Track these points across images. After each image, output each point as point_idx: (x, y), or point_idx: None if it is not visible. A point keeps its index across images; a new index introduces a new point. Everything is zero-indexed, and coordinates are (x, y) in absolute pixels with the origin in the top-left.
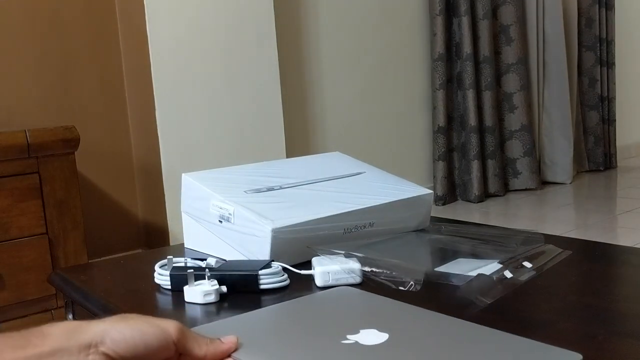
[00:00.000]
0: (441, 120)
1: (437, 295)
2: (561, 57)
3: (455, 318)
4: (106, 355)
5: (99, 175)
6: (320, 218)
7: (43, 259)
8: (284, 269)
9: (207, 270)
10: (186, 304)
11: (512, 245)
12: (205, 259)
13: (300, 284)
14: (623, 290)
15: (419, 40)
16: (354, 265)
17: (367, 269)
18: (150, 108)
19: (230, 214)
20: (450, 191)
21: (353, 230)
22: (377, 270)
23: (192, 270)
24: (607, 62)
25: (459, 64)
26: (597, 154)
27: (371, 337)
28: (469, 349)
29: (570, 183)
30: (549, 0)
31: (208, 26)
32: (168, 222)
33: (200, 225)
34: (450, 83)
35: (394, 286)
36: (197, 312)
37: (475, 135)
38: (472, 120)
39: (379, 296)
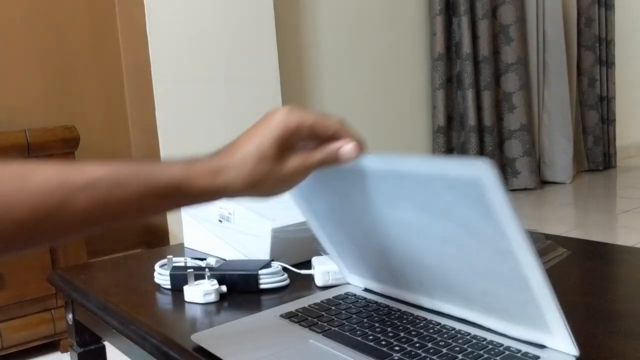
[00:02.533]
0: (441, 120)
1: None
2: (561, 56)
3: None
4: None
5: None
6: None
7: (43, 258)
8: (284, 269)
9: (207, 269)
10: (186, 304)
11: None
12: (205, 259)
13: (300, 284)
14: (623, 290)
15: (419, 40)
16: None
17: None
18: (150, 108)
19: (230, 213)
20: None
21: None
22: None
23: (192, 270)
24: (606, 62)
25: (458, 63)
26: (596, 153)
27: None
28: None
29: (570, 183)
30: (549, 0)
31: (208, 26)
32: (168, 221)
33: (200, 225)
34: (450, 83)
35: None
36: (197, 311)
37: (474, 135)
38: (471, 120)
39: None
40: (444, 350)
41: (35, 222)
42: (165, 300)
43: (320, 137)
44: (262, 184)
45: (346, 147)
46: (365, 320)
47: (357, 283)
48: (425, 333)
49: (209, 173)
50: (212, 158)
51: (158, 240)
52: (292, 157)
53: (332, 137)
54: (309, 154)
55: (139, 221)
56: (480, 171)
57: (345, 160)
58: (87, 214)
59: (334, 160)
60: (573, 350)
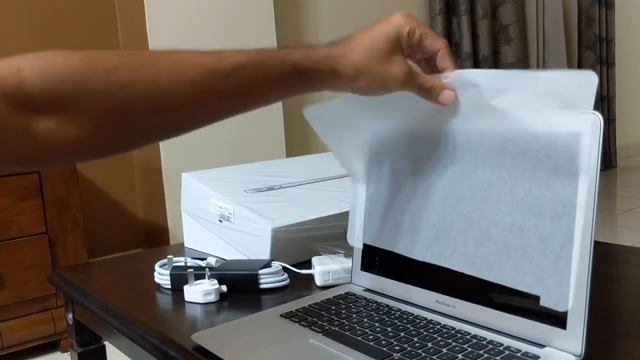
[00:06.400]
0: None
1: None
2: (561, 56)
3: None
4: None
5: (99, 175)
6: (320, 217)
7: (43, 258)
8: (284, 269)
9: (207, 269)
10: (186, 304)
11: None
12: (205, 259)
13: (300, 284)
14: (623, 289)
15: None
16: None
17: None
18: None
19: (230, 213)
20: None
21: None
22: None
23: (192, 270)
24: (607, 61)
25: (458, 63)
26: None
27: None
28: None
29: None
30: None
31: (208, 26)
32: (168, 221)
33: (200, 225)
34: None
35: None
36: (197, 311)
37: None
38: None
39: None
40: (444, 350)
41: (191, 107)
42: (165, 300)
43: (426, 50)
44: (365, 77)
45: (448, 94)
46: (365, 320)
47: (363, 282)
48: (425, 333)
49: (326, 58)
50: (329, 46)
51: (158, 240)
52: (398, 63)
53: (435, 56)
54: (414, 72)
55: (265, 104)
56: (587, 123)
57: (440, 104)
58: (233, 97)
59: (432, 97)
60: (578, 347)
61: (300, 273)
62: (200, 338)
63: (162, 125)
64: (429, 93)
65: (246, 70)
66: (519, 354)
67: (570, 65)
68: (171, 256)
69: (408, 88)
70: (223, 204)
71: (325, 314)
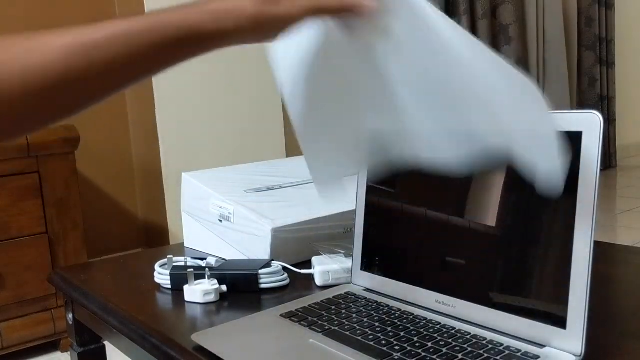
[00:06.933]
0: None
1: None
2: (561, 56)
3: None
4: None
5: (99, 175)
6: (320, 217)
7: (43, 258)
8: (284, 269)
9: (207, 269)
10: (186, 304)
11: None
12: (205, 259)
13: (300, 284)
14: (623, 289)
15: None
16: None
17: None
18: (150, 108)
19: (230, 213)
20: None
21: (353, 229)
22: None
23: (192, 270)
24: (607, 61)
25: None
26: None
27: None
28: None
29: None
30: None
31: None
32: (168, 221)
33: (200, 225)
34: None
35: None
36: (197, 311)
37: None
38: None
39: None
40: (444, 350)
41: (63, 87)
42: (165, 300)
43: None
44: (260, 24)
45: (367, 2)
46: (365, 319)
47: (363, 283)
48: (425, 332)
49: (208, 13)
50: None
51: (158, 240)
52: None
53: None
54: None
55: (161, 72)
56: (587, 123)
57: (362, 16)
58: (111, 70)
59: (355, 9)
60: (578, 347)
61: (300, 273)
62: (200, 338)
63: (38, 113)
64: (343, 11)
65: (119, 41)
66: (519, 354)
67: (570, 65)
68: (171, 256)
69: (315, 16)
70: (223, 204)
71: (325, 314)
